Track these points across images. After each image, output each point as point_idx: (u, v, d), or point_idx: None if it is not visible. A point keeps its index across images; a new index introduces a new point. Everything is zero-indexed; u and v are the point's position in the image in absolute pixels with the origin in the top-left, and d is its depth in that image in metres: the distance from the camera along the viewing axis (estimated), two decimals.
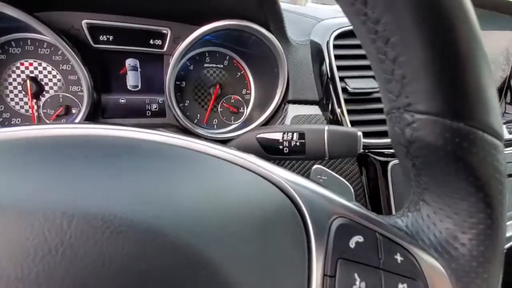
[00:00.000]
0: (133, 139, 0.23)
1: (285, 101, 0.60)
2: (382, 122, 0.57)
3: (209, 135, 0.61)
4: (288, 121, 0.60)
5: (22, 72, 0.56)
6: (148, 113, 0.65)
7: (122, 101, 0.63)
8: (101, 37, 0.58)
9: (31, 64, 0.56)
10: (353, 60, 0.58)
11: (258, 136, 0.44)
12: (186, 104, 0.67)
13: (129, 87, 0.63)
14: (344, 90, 0.56)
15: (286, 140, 0.42)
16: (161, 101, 0.66)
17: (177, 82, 0.65)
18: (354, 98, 0.57)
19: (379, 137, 0.57)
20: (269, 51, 0.57)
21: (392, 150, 0.57)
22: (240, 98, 0.70)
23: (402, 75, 0.17)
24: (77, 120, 0.56)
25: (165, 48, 0.62)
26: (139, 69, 0.63)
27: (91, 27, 0.56)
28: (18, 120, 0.56)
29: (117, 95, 0.62)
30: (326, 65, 0.57)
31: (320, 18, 0.63)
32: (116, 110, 0.63)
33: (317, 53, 0.59)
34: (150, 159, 0.22)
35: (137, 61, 0.63)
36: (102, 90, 0.61)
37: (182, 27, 0.60)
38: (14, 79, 0.55)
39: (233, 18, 0.53)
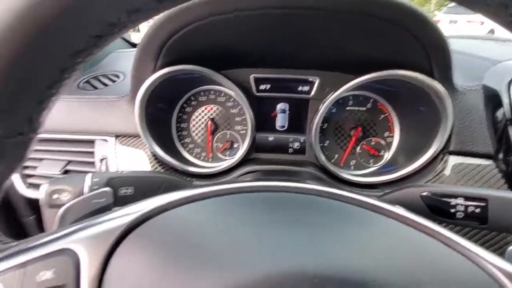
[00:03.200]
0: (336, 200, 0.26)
1: (445, 151, 0.54)
2: None
3: (351, 177, 0.62)
4: (448, 170, 0.53)
5: (205, 114, 0.73)
6: (290, 150, 0.73)
7: (270, 139, 0.73)
8: (261, 86, 0.70)
9: (211, 109, 0.73)
10: None
11: (423, 194, 0.41)
12: (325, 144, 0.70)
13: (277, 127, 0.73)
14: None
15: (461, 205, 0.38)
16: (302, 140, 0.72)
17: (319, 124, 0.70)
18: None
19: None
20: (428, 98, 0.54)
21: None
22: (381, 141, 0.68)
23: None
24: (238, 154, 0.68)
25: (312, 94, 0.68)
26: (287, 112, 0.72)
27: (256, 79, 0.69)
28: (199, 150, 0.74)
29: (267, 133, 0.73)
30: (507, 114, 0.48)
31: (495, 59, 0.55)
32: (265, 147, 0.73)
33: (493, 100, 0.51)
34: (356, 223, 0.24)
35: (287, 105, 0.72)
36: (257, 130, 0.72)
37: (331, 75, 0.65)
38: (199, 119, 0.74)
39: (391, 67, 0.53)
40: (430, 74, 0.51)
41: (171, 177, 0.48)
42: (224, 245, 0.20)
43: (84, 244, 0.21)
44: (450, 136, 0.53)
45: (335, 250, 0.21)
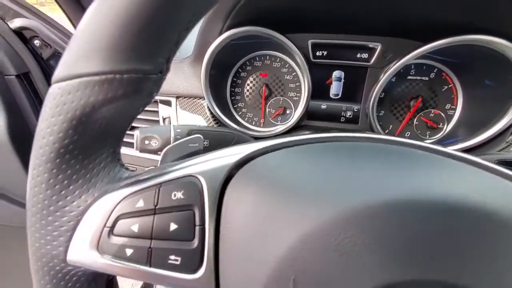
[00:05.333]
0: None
1: None
2: None
3: None
4: None
5: (260, 80, 0.75)
6: (342, 119, 0.73)
7: (323, 107, 0.74)
8: (318, 52, 0.70)
9: (266, 74, 0.74)
10: None
11: (499, 159, 0.41)
12: (380, 114, 0.70)
13: (331, 95, 0.73)
14: None
15: None
16: (356, 109, 0.72)
17: None
18: None
19: None
20: (505, 69, 0.51)
21: None
22: (441, 113, 0.66)
23: None
24: (291, 120, 0.70)
25: (371, 62, 0.67)
26: (342, 80, 0.71)
27: (313, 45, 0.68)
28: (251, 115, 0.77)
29: (320, 101, 0.73)
30: None
31: None
32: (318, 115, 0.74)
33: None
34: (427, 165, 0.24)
35: (343, 72, 0.71)
36: (310, 97, 0.73)
37: (394, 41, 0.63)
38: (254, 85, 0.76)
39: (467, 32, 0.50)
40: None
41: (239, 134, 0.51)
42: (322, 182, 0.23)
43: (205, 173, 0.25)
44: None
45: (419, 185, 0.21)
